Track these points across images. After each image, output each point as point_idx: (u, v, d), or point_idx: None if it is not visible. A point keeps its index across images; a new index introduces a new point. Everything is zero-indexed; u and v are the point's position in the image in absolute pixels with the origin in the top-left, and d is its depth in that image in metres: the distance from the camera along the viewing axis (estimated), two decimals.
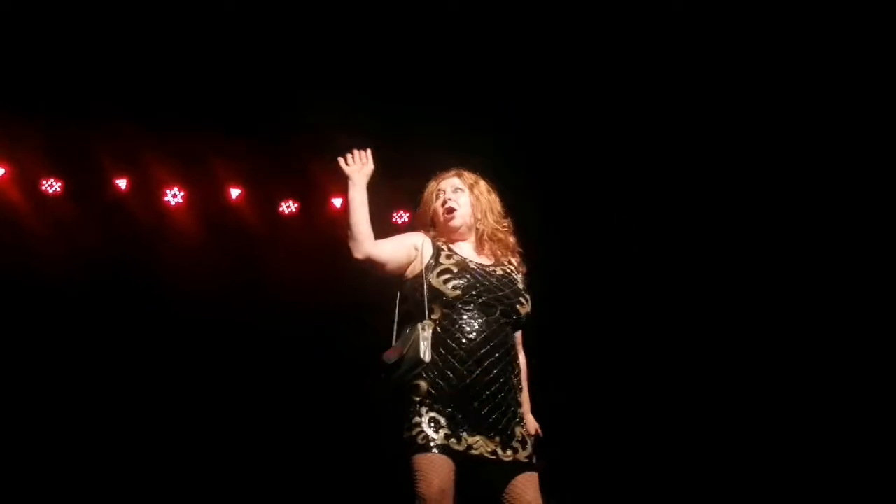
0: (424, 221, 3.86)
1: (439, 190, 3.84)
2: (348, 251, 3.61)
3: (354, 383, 6.54)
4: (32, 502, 6.22)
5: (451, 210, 3.76)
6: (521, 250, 3.85)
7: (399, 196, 7.07)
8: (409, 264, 3.67)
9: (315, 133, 6.76)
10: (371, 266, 3.60)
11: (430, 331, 3.48)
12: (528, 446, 3.51)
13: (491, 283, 3.59)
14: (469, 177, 3.87)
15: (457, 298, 3.52)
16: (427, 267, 3.62)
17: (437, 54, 6.32)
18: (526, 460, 3.48)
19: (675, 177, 6.71)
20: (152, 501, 6.38)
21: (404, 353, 3.44)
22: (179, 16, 6.06)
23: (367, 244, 3.59)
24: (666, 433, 6.47)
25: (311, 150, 6.89)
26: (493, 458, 3.42)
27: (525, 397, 3.77)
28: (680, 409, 6.50)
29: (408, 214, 7.12)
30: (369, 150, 3.69)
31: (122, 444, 6.47)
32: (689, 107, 6.48)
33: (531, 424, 3.72)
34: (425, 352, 3.43)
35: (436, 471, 3.31)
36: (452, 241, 3.77)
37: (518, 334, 3.76)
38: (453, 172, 3.90)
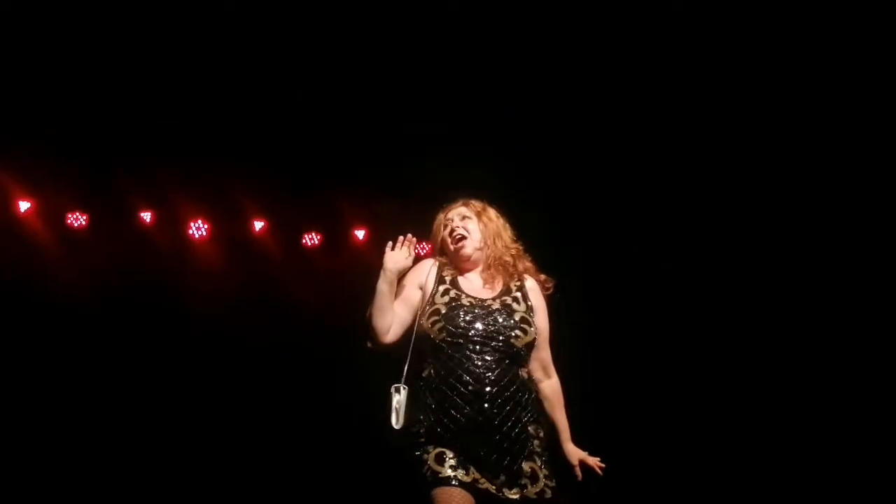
0: (435, 247, 3.89)
1: (447, 220, 3.84)
2: (366, 332, 3.66)
3: (377, 413, 6.58)
4: None
5: (460, 238, 3.76)
6: (540, 274, 3.81)
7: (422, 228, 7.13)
8: (420, 302, 3.68)
9: (339, 167, 6.82)
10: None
11: (405, 395, 3.45)
12: (540, 480, 3.42)
13: (483, 320, 3.52)
14: (476, 204, 3.88)
15: (443, 341, 3.49)
16: (425, 305, 3.62)
17: (434, 77, 6.35)
18: (535, 497, 3.39)
19: (676, 183, 6.69)
20: None
21: (386, 414, 3.45)
22: (204, 52, 6.12)
23: (382, 340, 3.63)
24: (676, 437, 6.44)
25: (333, 182, 6.93)
26: (500, 495, 3.36)
27: (562, 423, 3.72)
28: (689, 414, 6.47)
29: (429, 246, 7.12)
30: (413, 243, 3.68)
31: (142, 467, 6.50)
32: (690, 112, 6.47)
33: (573, 455, 3.67)
34: (397, 420, 3.42)
35: (453, 500, 3.30)
36: (462, 271, 3.76)
37: (542, 357, 3.72)
38: (460, 202, 3.91)
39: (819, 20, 5.85)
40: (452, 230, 3.78)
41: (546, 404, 3.72)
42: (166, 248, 6.96)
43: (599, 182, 6.76)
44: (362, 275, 6.97)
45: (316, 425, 6.67)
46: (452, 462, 3.34)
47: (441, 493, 3.31)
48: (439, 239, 3.84)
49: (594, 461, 3.68)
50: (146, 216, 6.91)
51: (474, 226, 3.80)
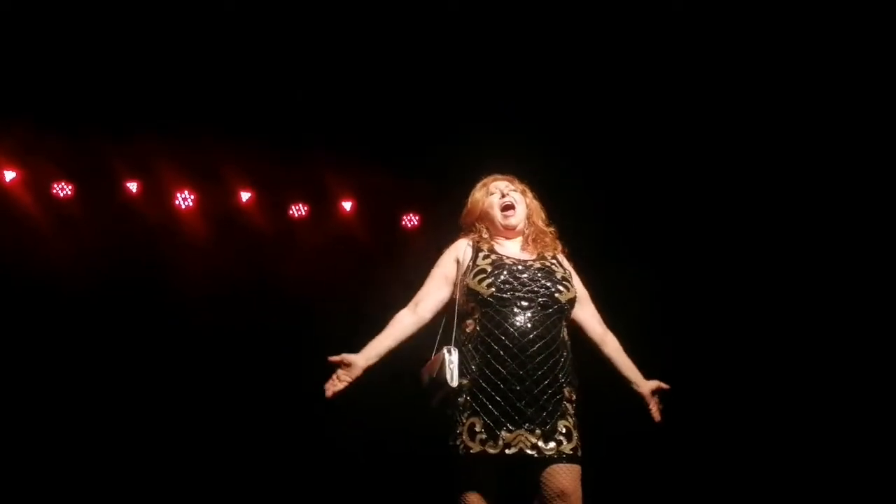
0: (472, 220, 3.94)
1: (496, 188, 3.93)
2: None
3: (364, 385, 6.60)
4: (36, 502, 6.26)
5: (509, 206, 3.88)
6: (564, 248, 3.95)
7: (409, 199, 7.13)
8: (456, 276, 3.78)
9: (326, 137, 6.80)
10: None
11: (457, 355, 3.60)
12: (574, 439, 3.56)
13: (528, 276, 3.66)
14: (519, 184, 4.00)
15: (491, 296, 3.60)
16: (466, 270, 3.72)
17: (441, 58, 6.34)
18: (570, 452, 3.54)
19: (679, 180, 6.71)
20: (158, 502, 6.41)
21: (434, 376, 3.59)
22: (188, 21, 6.08)
23: (423, 322, 3.76)
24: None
25: (321, 153, 6.92)
26: (534, 452, 3.50)
27: (630, 367, 3.89)
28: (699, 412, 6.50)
29: (417, 217, 7.14)
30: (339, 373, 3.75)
31: (131, 444, 6.49)
32: (691, 112, 6.50)
33: (648, 386, 3.86)
34: (452, 377, 3.55)
35: (472, 479, 3.52)
36: (497, 239, 3.87)
37: (589, 315, 3.87)
38: (503, 177, 4.01)
39: (819, 20, 5.87)
40: (504, 195, 3.89)
41: (612, 353, 3.90)
42: (153, 218, 6.93)
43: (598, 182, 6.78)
44: (349, 246, 7.08)
45: (302, 398, 6.68)
46: (483, 435, 3.49)
47: (466, 469, 3.53)
48: (481, 208, 3.92)
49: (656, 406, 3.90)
50: (132, 186, 6.88)
51: (521, 199, 3.92)
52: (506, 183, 3.96)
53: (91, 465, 6.41)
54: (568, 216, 4.11)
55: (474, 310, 3.65)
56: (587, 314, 3.88)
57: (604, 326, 3.93)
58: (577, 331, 3.85)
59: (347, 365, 3.67)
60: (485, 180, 4.00)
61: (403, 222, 7.19)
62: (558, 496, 3.49)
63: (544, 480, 3.51)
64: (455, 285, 3.76)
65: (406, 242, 7.05)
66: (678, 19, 6.05)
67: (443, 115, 6.54)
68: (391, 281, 6.40)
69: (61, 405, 6.47)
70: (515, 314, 3.57)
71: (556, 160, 6.29)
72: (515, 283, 3.62)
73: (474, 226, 3.93)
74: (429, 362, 3.66)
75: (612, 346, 3.91)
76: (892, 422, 6.17)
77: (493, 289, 3.60)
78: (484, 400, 3.51)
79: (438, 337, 3.71)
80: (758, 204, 6.64)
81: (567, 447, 3.53)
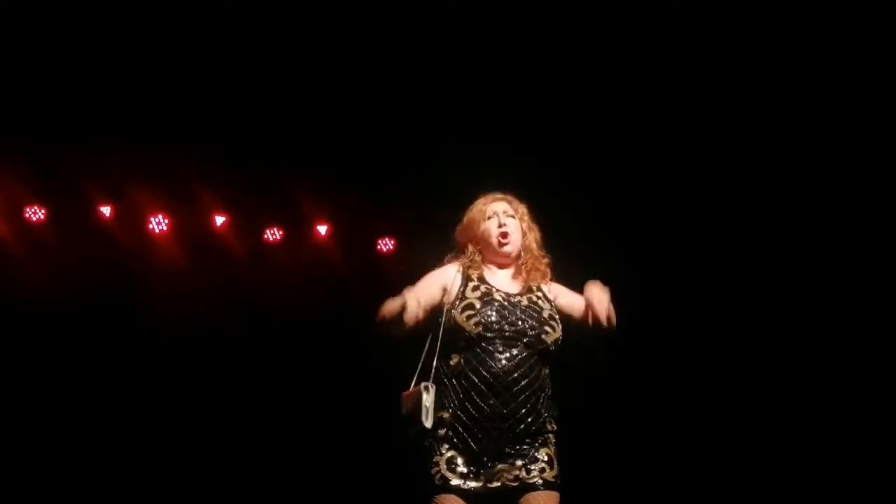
0: (466, 240, 3.84)
1: (493, 212, 3.82)
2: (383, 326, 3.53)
3: (337, 411, 6.59)
4: None
5: (505, 235, 3.77)
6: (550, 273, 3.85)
7: (385, 223, 7.13)
8: (439, 304, 3.68)
9: (301, 161, 6.80)
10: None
11: (433, 393, 3.51)
12: (555, 467, 3.53)
13: (516, 315, 3.59)
14: (518, 205, 3.89)
15: (478, 335, 3.55)
16: (455, 300, 3.65)
17: (417, 82, 6.35)
18: (552, 479, 3.51)
19: (676, 185, 6.74)
20: None
21: (410, 411, 3.51)
22: (163, 45, 6.08)
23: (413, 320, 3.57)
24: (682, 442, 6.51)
25: (296, 177, 6.91)
26: (516, 483, 3.47)
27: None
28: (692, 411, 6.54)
29: (392, 242, 7.14)
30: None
31: (103, 467, 6.45)
32: (690, 112, 6.52)
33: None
34: (427, 417, 3.47)
35: None
36: (488, 264, 3.79)
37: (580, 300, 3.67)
38: (502, 197, 3.90)
39: (819, 20, 5.91)
40: (501, 224, 3.78)
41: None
42: (126, 242, 6.89)
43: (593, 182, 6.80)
44: (324, 271, 7.07)
45: (279, 421, 6.67)
46: (463, 470, 3.47)
47: (440, 500, 3.46)
48: (480, 229, 3.81)
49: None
50: (106, 210, 6.85)
51: (516, 225, 3.82)
52: (505, 205, 3.85)
53: (61, 488, 6.35)
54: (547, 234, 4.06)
55: (458, 345, 3.59)
56: (575, 300, 3.73)
57: None
58: (589, 328, 3.63)
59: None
60: (485, 199, 3.89)
61: (379, 246, 7.18)
62: None
63: None
64: (435, 310, 3.67)
65: (381, 267, 7.04)
66: (651, 28, 6.10)
67: (419, 140, 6.55)
68: (366, 305, 6.43)
69: (33, 429, 6.42)
70: (501, 352, 3.52)
71: (534, 185, 6.30)
72: (503, 323, 3.56)
73: (468, 247, 3.83)
74: (408, 391, 3.58)
75: None
76: (883, 418, 6.21)
77: (481, 328, 3.54)
78: (466, 436, 3.48)
79: (420, 364, 3.62)
80: (746, 204, 6.68)
81: (549, 474, 3.51)
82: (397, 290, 3.85)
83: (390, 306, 3.44)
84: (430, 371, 3.59)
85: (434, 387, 3.54)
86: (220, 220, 7.05)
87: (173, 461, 6.53)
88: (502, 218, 3.80)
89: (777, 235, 6.63)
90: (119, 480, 6.44)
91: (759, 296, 6.62)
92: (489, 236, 3.77)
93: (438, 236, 4.03)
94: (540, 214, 3.96)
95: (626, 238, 6.69)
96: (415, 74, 6.31)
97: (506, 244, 3.77)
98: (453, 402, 3.52)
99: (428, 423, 3.47)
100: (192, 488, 6.49)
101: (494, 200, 3.87)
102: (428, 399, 3.49)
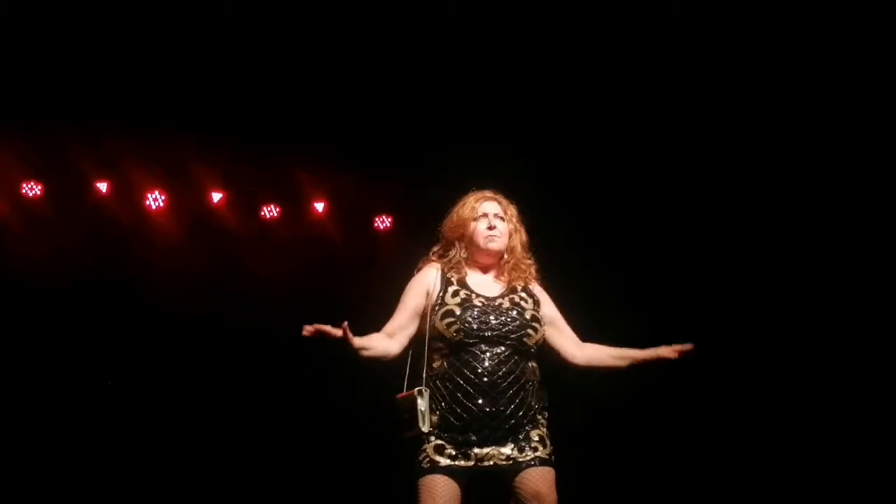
0: (453, 236, 3.83)
1: (484, 213, 3.81)
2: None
3: (334, 388, 6.61)
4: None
5: (493, 238, 3.76)
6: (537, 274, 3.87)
7: (382, 201, 7.13)
8: (426, 307, 3.70)
9: (298, 138, 6.78)
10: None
11: (427, 398, 3.54)
12: (548, 446, 3.56)
13: (496, 319, 3.59)
14: (508, 206, 3.88)
15: (459, 341, 3.56)
16: (434, 305, 3.65)
17: (415, 59, 6.33)
18: (546, 456, 3.54)
19: (675, 185, 6.73)
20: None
21: (405, 415, 3.54)
22: (159, 21, 6.04)
23: (393, 354, 3.67)
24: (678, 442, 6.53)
25: (294, 154, 6.90)
26: (509, 462, 3.49)
27: (623, 351, 3.79)
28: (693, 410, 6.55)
29: (389, 219, 7.13)
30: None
31: (103, 444, 6.46)
32: (691, 113, 6.51)
33: (651, 353, 3.74)
34: (423, 421, 3.50)
35: (436, 492, 3.44)
36: (472, 264, 3.80)
37: (565, 339, 3.79)
38: (491, 195, 3.89)
39: (819, 20, 5.89)
40: (491, 227, 3.78)
41: (603, 356, 3.82)
42: (123, 218, 6.89)
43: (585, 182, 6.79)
44: (321, 248, 7.07)
45: (275, 398, 6.68)
46: (452, 452, 3.48)
47: (427, 480, 3.47)
48: (469, 228, 3.79)
49: (676, 349, 3.74)
50: (102, 186, 6.83)
51: (505, 227, 3.82)
52: (495, 206, 3.84)
53: (63, 464, 6.38)
54: (540, 220, 4.07)
55: (441, 350, 3.60)
56: (562, 339, 3.80)
57: (580, 344, 3.84)
58: (556, 356, 3.78)
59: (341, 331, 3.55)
60: (475, 196, 3.87)
61: (376, 224, 7.17)
62: (533, 498, 3.47)
63: (518, 484, 3.48)
64: (423, 317, 3.69)
65: (378, 244, 7.04)
66: (640, 31, 6.11)
67: (417, 118, 6.53)
68: (363, 283, 6.44)
69: (32, 406, 6.43)
70: (484, 353, 3.53)
71: (530, 164, 6.32)
72: (484, 328, 3.56)
73: (454, 244, 3.82)
74: (402, 394, 3.59)
75: (595, 352, 3.83)
76: (879, 419, 6.22)
77: (462, 335, 3.55)
78: (454, 433, 3.50)
79: (407, 370, 3.65)
80: (737, 205, 6.67)
81: (542, 452, 3.53)
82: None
83: (369, 354, 3.60)
84: (420, 372, 3.62)
85: (428, 391, 3.55)
86: (217, 196, 7.04)
87: (171, 436, 6.54)
88: (492, 220, 3.79)
89: (768, 236, 6.62)
90: (119, 457, 6.45)
91: (750, 295, 6.61)
92: (478, 237, 3.77)
93: (435, 214, 3.98)
94: (532, 208, 3.97)
95: (616, 238, 6.71)
96: (413, 51, 6.28)
97: (492, 240, 3.76)
98: (440, 404, 3.53)
99: (425, 428, 3.50)
100: (190, 460, 6.51)
101: (486, 199, 3.85)
102: (423, 404, 3.52)
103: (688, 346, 3.73)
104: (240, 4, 6.00)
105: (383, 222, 7.18)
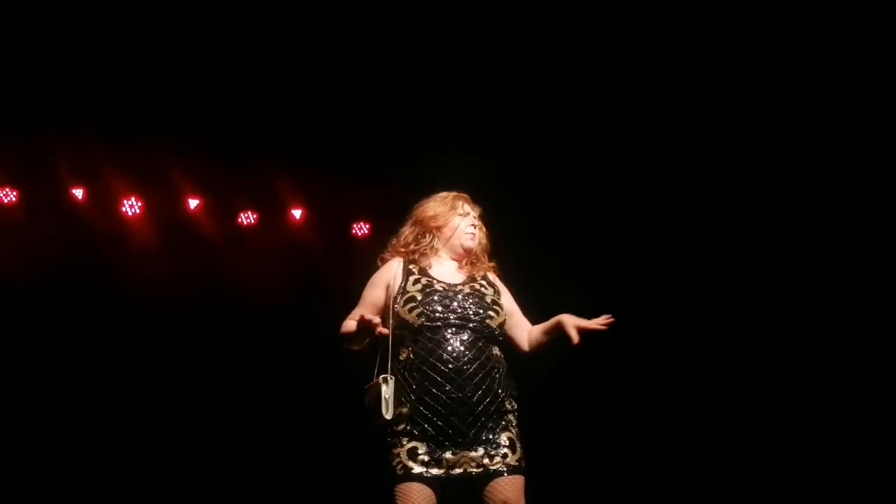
0: (426, 227, 3.93)
1: (467, 211, 3.95)
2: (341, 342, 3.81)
3: (311, 396, 6.60)
4: None
5: (473, 236, 3.91)
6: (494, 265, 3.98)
7: (360, 207, 7.13)
8: (387, 300, 3.78)
9: (275, 144, 6.77)
10: None
11: (392, 384, 3.59)
12: (518, 450, 3.59)
13: (458, 302, 3.69)
14: (476, 207, 4.01)
15: (422, 325, 3.63)
16: (396, 295, 3.73)
17: (394, 66, 6.34)
18: (515, 463, 3.57)
19: (675, 186, 6.77)
20: None
21: (371, 403, 3.60)
22: (137, 27, 6.02)
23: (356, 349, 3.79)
24: (667, 439, 6.55)
25: (271, 160, 6.89)
26: (479, 470, 3.52)
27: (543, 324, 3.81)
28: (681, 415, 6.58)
29: (367, 226, 7.13)
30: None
31: (76, 452, 6.43)
32: (690, 113, 6.54)
33: (568, 321, 3.66)
34: (387, 409, 3.55)
35: (411, 499, 3.49)
36: (436, 256, 3.89)
37: (520, 331, 3.86)
38: (467, 198, 4.02)
39: (819, 20, 5.92)
40: (473, 225, 3.93)
41: (536, 335, 3.84)
42: (99, 225, 6.85)
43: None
44: (299, 254, 7.06)
45: (253, 406, 6.67)
46: (425, 458, 3.52)
47: (402, 488, 3.51)
48: (449, 221, 3.92)
49: (596, 322, 3.66)
50: (78, 193, 6.80)
51: (479, 231, 3.96)
52: (472, 207, 3.98)
53: (44, 468, 6.35)
54: (518, 225, 4.13)
55: (405, 338, 3.67)
56: (518, 331, 3.88)
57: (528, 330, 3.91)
58: (510, 346, 3.85)
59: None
60: (453, 195, 3.99)
61: (354, 230, 7.17)
62: None
63: (488, 494, 3.53)
64: (384, 310, 3.76)
65: (356, 250, 7.03)
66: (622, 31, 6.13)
67: (395, 124, 6.54)
68: (341, 289, 6.43)
69: (6, 414, 6.37)
70: (448, 339, 3.60)
71: (507, 168, 6.35)
72: (446, 312, 3.65)
73: (424, 233, 3.91)
74: (370, 384, 3.65)
75: (531, 333, 3.87)
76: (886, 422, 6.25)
77: (423, 318, 3.63)
78: (425, 426, 3.53)
79: (377, 363, 3.69)
80: (712, 204, 6.73)
81: (511, 459, 3.56)
82: (372, 273, 3.89)
83: (347, 327, 3.70)
84: (386, 364, 3.67)
85: (393, 378, 3.60)
86: (193, 203, 7.02)
87: (148, 444, 6.52)
88: (473, 220, 3.94)
89: (742, 233, 6.68)
90: (95, 460, 6.42)
91: (715, 291, 6.69)
92: (459, 233, 3.90)
93: (416, 212, 4.02)
94: (510, 213, 4.05)
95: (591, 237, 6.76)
96: (391, 58, 6.29)
97: (472, 245, 3.90)
98: (410, 396, 3.58)
99: (388, 415, 3.54)
100: (167, 468, 6.49)
101: (465, 201, 3.99)
102: (387, 391, 3.57)
103: (607, 319, 3.63)
104: (217, 13, 5.99)
105: (361, 229, 7.18)
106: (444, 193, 4.00)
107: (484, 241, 3.96)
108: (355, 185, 6.97)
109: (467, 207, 3.96)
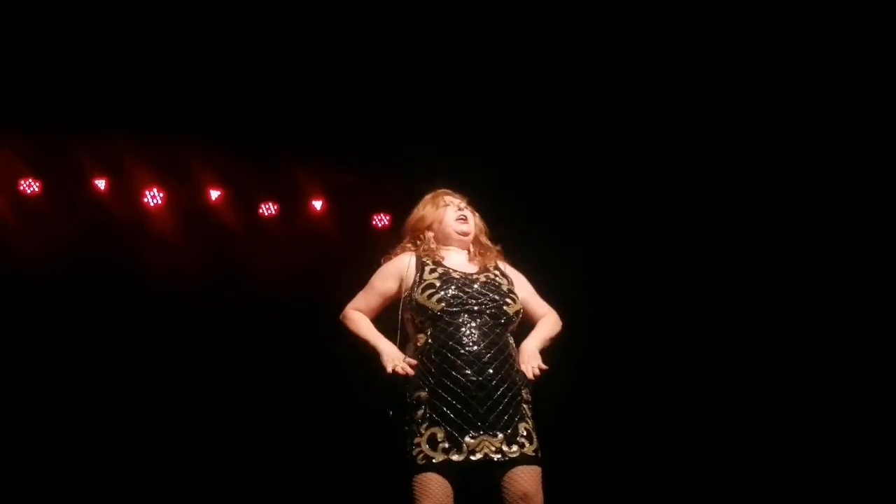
0: (419, 230, 4.06)
1: (449, 202, 4.09)
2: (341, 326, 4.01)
3: (331, 385, 6.61)
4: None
5: (465, 219, 4.04)
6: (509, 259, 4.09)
7: (380, 199, 7.13)
8: (398, 292, 3.90)
9: (296, 136, 6.79)
10: None
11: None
12: (535, 441, 3.63)
13: (475, 289, 3.76)
14: (462, 197, 4.15)
15: (442, 311, 3.69)
16: (413, 284, 3.81)
17: (414, 57, 6.34)
18: (533, 454, 3.60)
19: (674, 186, 6.77)
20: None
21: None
22: (158, 19, 6.04)
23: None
24: (670, 438, 6.54)
25: (292, 151, 6.90)
26: (499, 456, 3.55)
27: (538, 331, 3.92)
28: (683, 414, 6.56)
29: (387, 217, 7.13)
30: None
31: (99, 442, 6.44)
32: (690, 114, 6.54)
33: (527, 352, 3.79)
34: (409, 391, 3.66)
35: (430, 491, 3.52)
36: (444, 250, 3.99)
37: (536, 306, 3.98)
38: (445, 191, 4.16)
39: (819, 20, 5.91)
40: (460, 208, 4.06)
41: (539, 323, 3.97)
42: (121, 216, 6.89)
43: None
44: (319, 246, 7.07)
45: (272, 395, 6.68)
46: (445, 444, 3.54)
47: (422, 479, 3.55)
48: (437, 216, 4.06)
49: (534, 367, 3.76)
50: (100, 183, 6.83)
51: (469, 215, 4.08)
52: (455, 198, 4.12)
53: (61, 462, 6.36)
54: (532, 213, 4.17)
55: (424, 324, 3.74)
56: (534, 306, 4.00)
57: (547, 307, 4.04)
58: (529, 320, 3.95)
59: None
60: (432, 195, 4.15)
61: (374, 222, 7.18)
62: (521, 499, 3.55)
63: (506, 484, 3.57)
64: (393, 301, 3.90)
65: (376, 242, 7.02)
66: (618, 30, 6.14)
67: (415, 115, 6.54)
68: (361, 281, 6.44)
69: (28, 404, 6.41)
70: (467, 324, 3.67)
71: (524, 160, 6.35)
72: (465, 297, 3.72)
73: (420, 236, 4.03)
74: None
75: (544, 319, 3.99)
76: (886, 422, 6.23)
77: (444, 304, 3.70)
78: (445, 409, 3.57)
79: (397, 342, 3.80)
80: (706, 202, 6.73)
81: (529, 449, 3.60)
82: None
83: (356, 328, 3.91)
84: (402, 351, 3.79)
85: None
86: (214, 194, 7.04)
87: (168, 433, 6.53)
88: (459, 206, 4.08)
89: (741, 233, 6.68)
90: (118, 456, 6.44)
91: (711, 288, 6.69)
92: (449, 221, 4.02)
93: (407, 221, 4.19)
94: (529, 207, 4.10)
95: (588, 237, 6.75)
96: (412, 48, 6.29)
97: (466, 228, 4.02)
98: (429, 380, 3.62)
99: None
100: (186, 457, 6.50)
101: (445, 195, 4.13)
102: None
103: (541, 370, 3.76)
104: (237, 5, 6.00)
105: (381, 220, 7.19)
106: (426, 197, 4.15)
107: (481, 224, 4.08)
108: (376, 177, 6.97)
109: (450, 199, 4.09)
